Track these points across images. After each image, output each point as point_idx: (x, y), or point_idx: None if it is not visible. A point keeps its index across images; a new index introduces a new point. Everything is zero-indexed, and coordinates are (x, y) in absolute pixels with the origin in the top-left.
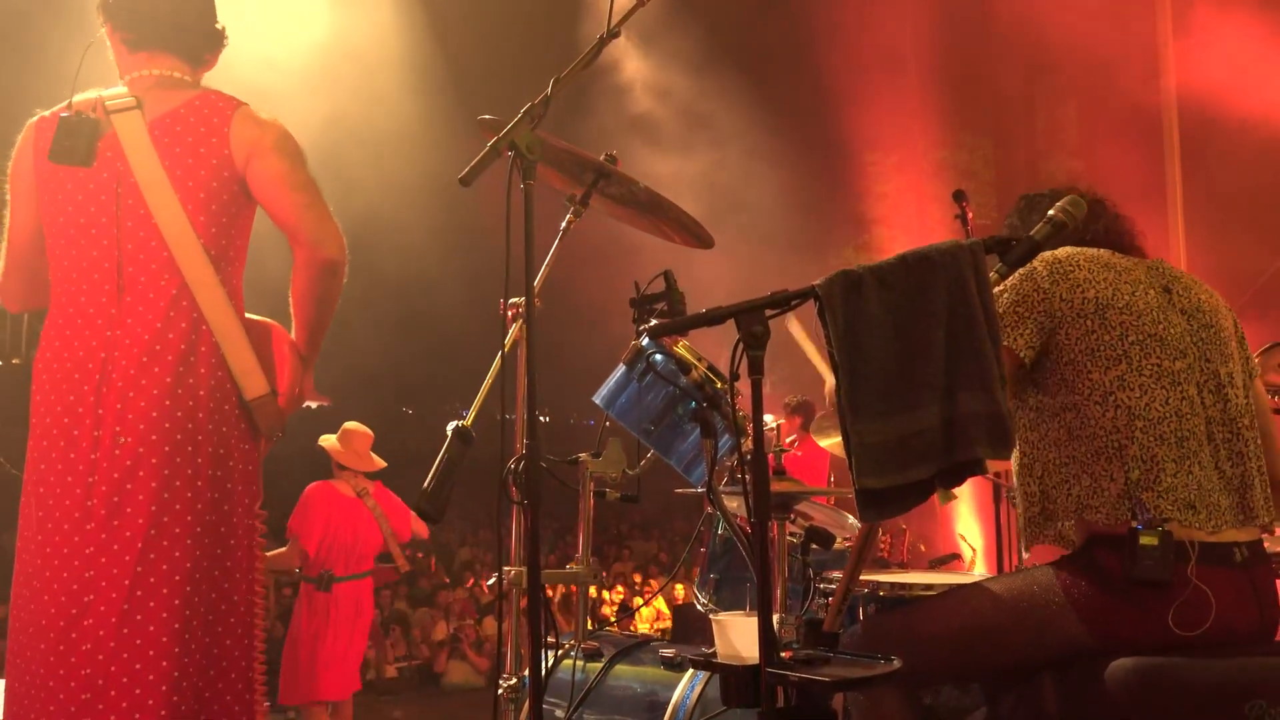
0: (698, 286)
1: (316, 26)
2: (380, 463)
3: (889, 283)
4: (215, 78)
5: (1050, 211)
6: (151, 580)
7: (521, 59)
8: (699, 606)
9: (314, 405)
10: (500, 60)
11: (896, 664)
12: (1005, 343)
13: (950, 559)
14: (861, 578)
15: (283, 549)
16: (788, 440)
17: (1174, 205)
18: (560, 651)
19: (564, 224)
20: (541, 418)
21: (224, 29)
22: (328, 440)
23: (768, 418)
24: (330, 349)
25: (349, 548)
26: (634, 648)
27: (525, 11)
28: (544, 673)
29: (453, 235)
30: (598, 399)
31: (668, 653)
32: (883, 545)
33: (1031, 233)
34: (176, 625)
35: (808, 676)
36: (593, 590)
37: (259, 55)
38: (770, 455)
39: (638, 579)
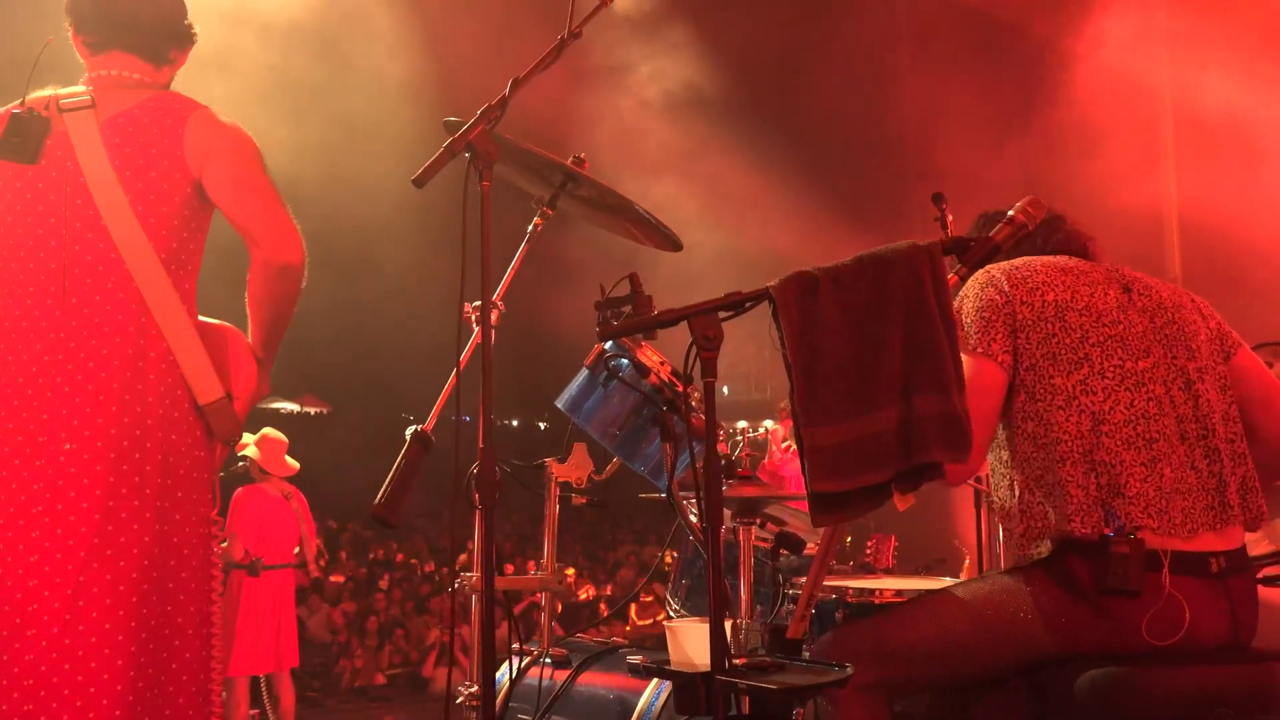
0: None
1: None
2: (295, 466)
3: (844, 284)
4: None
5: (1010, 212)
6: (95, 590)
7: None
8: (671, 612)
9: (312, 411)
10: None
11: (849, 671)
12: (980, 351)
13: (937, 564)
14: (833, 584)
15: (224, 545)
16: (783, 445)
17: (1172, 251)
18: (529, 659)
19: (531, 227)
20: (540, 424)
21: (192, 25)
22: (250, 449)
23: (767, 422)
24: (330, 354)
25: (276, 541)
26: (603, 654)
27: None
28: (510, 679)
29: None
30: (560, 403)
31: (634, 659)
32: (868, 550)
33: (991, 233)
34: (120, 636)
35: (756, 684)
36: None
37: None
38: (760, 460)
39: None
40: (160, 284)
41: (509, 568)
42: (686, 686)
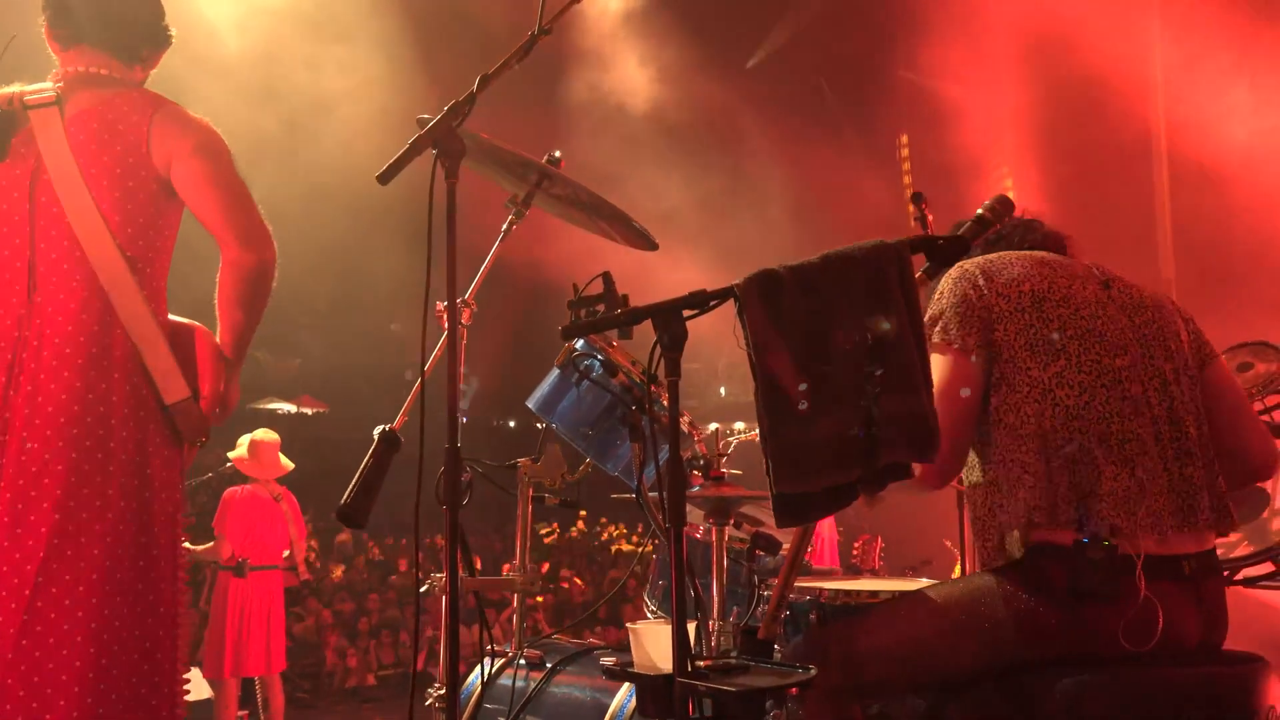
0: None
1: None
2: (288, 466)
3: (810, 282)
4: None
5: (979, 211)
6: (54, 590)
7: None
8: (648, 613)
9: (309, 412)
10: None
11: (813, 673)
12: (956, 347)
13: (923, 565)
14: (807, 584)
15: (211, 544)
16: None
17: (1165, 253)
18: (503, 660)
19: (505, 226)
20: (538, 424)
21: (169, 26)
22: (238, 454)
23: None
24: (328, 355)
25: (263, 543)
26: (578, 656)
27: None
28: (483, 680)
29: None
30: (531, 403)
31: (608, 660)
32: (855, 551)
33: (960, 231)
34: (79, 637)
35: (715, 686)
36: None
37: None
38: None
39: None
40: (124, 282)
41: (505, 568)
42: (648, 689)
